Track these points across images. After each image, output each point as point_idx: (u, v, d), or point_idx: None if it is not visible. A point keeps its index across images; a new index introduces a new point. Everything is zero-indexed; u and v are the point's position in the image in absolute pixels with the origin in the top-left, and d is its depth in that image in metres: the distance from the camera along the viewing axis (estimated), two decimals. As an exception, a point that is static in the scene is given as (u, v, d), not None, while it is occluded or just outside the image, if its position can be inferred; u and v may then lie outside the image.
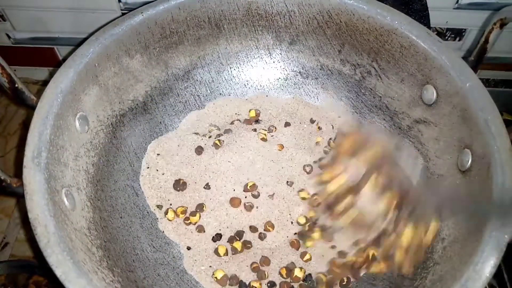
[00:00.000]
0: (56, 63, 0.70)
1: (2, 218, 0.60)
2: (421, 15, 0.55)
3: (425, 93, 0.49)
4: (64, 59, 0.68)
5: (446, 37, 0.63)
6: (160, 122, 0.55)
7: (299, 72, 0.57)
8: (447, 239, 0.43)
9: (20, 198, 0.39)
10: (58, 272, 0.35)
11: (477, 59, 0.47)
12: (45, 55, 0.69)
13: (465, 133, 0.45)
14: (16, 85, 0.41)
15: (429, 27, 0.54)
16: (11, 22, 0.64)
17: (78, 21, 0.63)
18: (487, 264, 0.36)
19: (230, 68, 0.57)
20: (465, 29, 0.62)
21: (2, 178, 0.38)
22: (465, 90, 0.44)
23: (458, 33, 0.63)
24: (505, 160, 0.40)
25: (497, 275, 0.47)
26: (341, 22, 0.52)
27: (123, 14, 0.60)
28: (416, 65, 0.49)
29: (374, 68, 0.53)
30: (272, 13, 0.53)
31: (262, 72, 0.57)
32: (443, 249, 0.43)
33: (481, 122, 0.43)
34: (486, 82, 0.69)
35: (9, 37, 0.67)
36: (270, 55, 0.57)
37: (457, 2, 0.59)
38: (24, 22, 0.65)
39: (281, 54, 0.56)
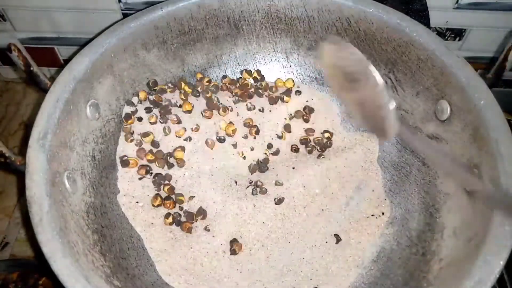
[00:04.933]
0: (56, 63, 0.71)
1: (2, 218, 0.61)
2: (421, 15, 0.54)
3: (439, 108, 0.47)
4: (65, 59, 0.70)
5: (446, 37, 0.62)
6: (173, 117, 0.56)
7: (315, 78, 0.56)
8: (445, 260, 0.42)
9: (22, 175, 0.40)
10: (45, 250, 0.36)
11: (495, 76, 0.45)
12: (45, 55, 0.69)
13: (474, 153, 0.43)
14: (31, 68, 0.43)
15: (429, 27, 0.53)
16: (11, 22, 0.65)
17: (78, 21, 0.63)
18: (478, 290, 0.35)
19: (246, 69, 0.57)
20: (465, 29, 0.61)
21: (7, 155, 0.40)
22: (479, 108, 0.43)
23: (458, 33, 0.62)
24: (511, 184, 0.39)
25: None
26: (359, 30, 0.51)
27: (123, 14, 0.61)
28: (432, 79, 0.47)
29: (391, 79, 0.52)
30: (292, 17, 0.53)
31: (277, 75, 0.57)
32: (439, 270, 0.42)
33: (491, 142, 0.41)
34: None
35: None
36: (287, 59, 0.56)
37: (457, 2, 0.57)
38: (24, 22, 0.65)
39: (298, 58, 0.56)
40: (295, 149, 0.54)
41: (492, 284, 0.35)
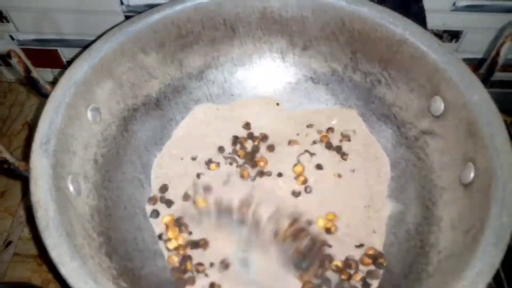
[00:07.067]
0: (59, 65, 0.70)
1: (5, 216, 0.61)
2: (418, 18, 0.54)
3: (433, 105, 0.48)
4: (68, 61, 0.69)
5: (443, 39, 0.63)
6: (172, 119, 0.56)
7: (310, 78, 0.57)
8: (444, 252, 0.43)
9: (25, 181, 0.40)
10: (53, 254, 0.36)
11: (488, 72, 0.46)
12: (48, 57, 0.69)
13: (470, 147, 0.44)
14: (31, 74, 0.43)
15: (426, 29, 0.53)
16: (14, 23, 0.65)
17: (81, 23, 0.63)
18: (477, 282, 0.36)
19: (243, 69, 0.58)
20: (461, 31, 0.62)
21: (11, 161, 0.40)
22: (473, 103, 0.44)
23: (454, 35, 0.63)
24: (507, 176, 0.40)
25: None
26: (354, 29, 0.52)
27: (125, 16, 0.61)
28: (426, 76, 0.48)
29: (385, 77, 0.53)
30: (287, 17, 0.54)
31: (274, 75, 0.58)
32: (438, 262, 0.43)
33: (486, 136, 0.42)
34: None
35: (12, 38, 0.67)
36: (283, 59, 0.57)
37: (454, 4, 0.58)
38: (27, 24, 0.65)
39: (293, 58, 0.57)
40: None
41: (492, 275, 0.36)
